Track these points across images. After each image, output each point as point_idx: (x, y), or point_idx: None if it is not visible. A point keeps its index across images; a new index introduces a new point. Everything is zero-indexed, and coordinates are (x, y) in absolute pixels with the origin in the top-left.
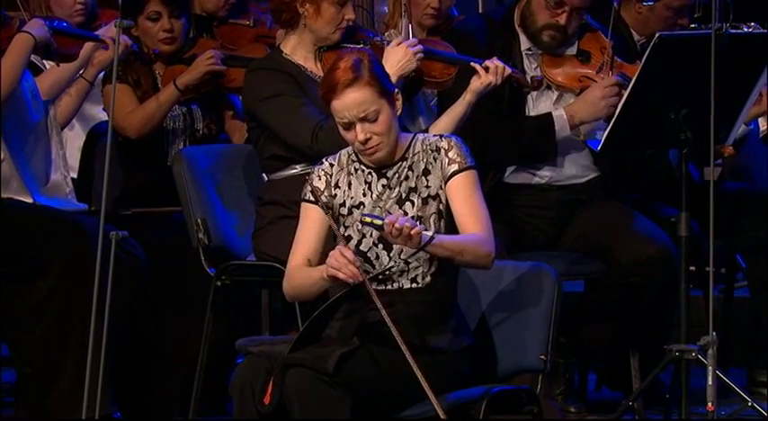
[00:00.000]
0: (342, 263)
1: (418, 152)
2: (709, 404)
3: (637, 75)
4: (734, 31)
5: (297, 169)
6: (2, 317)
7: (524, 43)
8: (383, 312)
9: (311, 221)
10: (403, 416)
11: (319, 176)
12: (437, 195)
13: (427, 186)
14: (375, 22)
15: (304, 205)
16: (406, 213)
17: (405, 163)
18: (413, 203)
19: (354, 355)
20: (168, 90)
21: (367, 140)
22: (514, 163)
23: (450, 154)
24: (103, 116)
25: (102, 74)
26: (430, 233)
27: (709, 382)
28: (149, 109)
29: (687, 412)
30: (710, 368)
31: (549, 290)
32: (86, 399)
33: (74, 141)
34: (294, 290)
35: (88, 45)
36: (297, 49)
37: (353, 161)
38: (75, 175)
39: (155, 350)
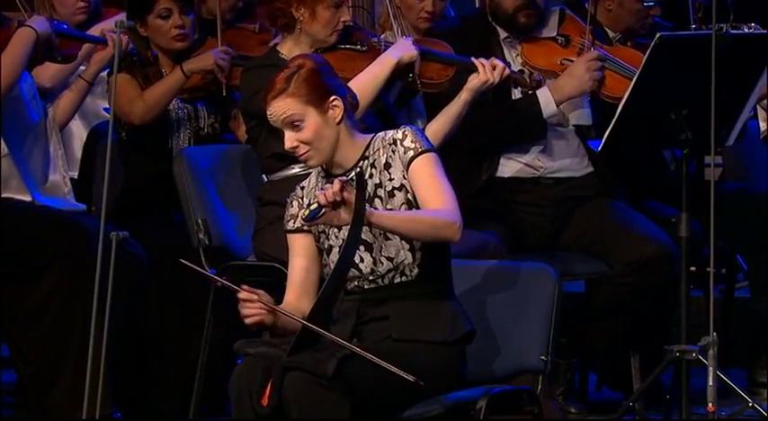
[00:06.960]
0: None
1: (378, 149)
2: (710, 404)
3: (637, 75)
4: (734, 31)
5: (296, 169)
6: (2, 317)
7: (502, 34)
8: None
9: (293, 250)
10: (403, 417)
11: (292, 203)
12: (402, 186)
13: (390, 179)
14: (375, 22)
15: (287, 236)
16: (376, 209)
17: (366, 161)
18: (381, 199)
19: (353, 358)
20: (175, 74)
21: (295, 148)
22: (504, 145)
23: (406, 142)
24: (106, 115)
25: (106, 71)
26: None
27: (710, 383)
28: (154, 93)
29: (687, 412)
30: (711, 368)
31: (549, 290)
32: (86, 400)
33: (76, 136)
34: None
35: (87, 45)
36: (294, 51)
37: (323, 177)
38: (75, 174)
39: (155, 350)
